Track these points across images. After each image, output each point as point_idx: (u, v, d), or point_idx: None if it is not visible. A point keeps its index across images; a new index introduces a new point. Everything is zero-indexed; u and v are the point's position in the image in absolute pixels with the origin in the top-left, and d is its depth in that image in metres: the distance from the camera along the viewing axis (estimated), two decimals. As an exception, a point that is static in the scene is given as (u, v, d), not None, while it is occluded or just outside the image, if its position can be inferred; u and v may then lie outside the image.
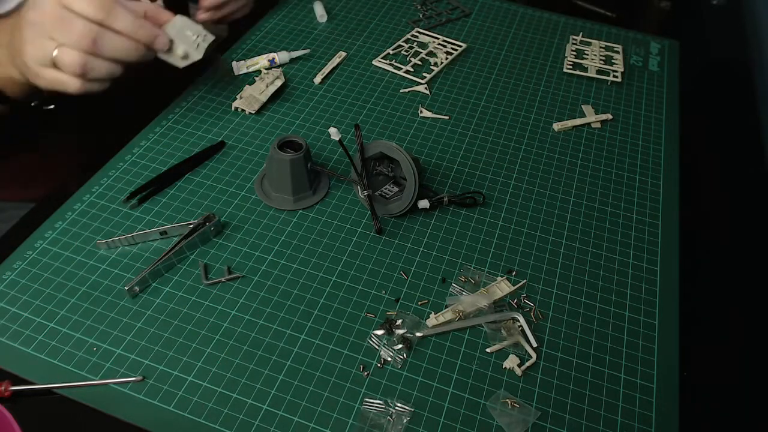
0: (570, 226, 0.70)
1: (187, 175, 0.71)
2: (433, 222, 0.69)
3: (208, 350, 0.56)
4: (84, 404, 0.52)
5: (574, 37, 0.97)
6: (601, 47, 0.96)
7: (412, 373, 0.56)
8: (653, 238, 0.70)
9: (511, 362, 0.57)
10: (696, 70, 0.96)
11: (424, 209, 0.69)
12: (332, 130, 0.64)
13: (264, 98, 0.80)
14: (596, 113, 0.85)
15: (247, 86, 0.82)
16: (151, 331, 0.57)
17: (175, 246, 0.62)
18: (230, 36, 0.93)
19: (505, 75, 0.91)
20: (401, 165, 0.66)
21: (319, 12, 0.97)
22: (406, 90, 0.86)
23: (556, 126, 0.82)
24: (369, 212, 0.69)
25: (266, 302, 0.60)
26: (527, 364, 0.57)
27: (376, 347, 0.58)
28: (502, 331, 0.59)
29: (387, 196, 0.70)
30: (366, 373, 0.56)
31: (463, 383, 0.56)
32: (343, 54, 0.90)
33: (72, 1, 0.58)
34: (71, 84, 0.61)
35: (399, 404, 0.54)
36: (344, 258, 0.65)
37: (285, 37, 0.93)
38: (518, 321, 0.60)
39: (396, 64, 0.89)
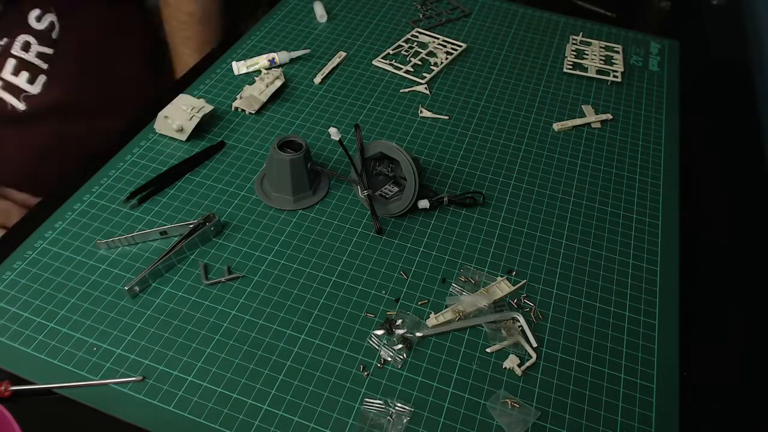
0: (570, 226, 0.70)
1: (187, 175, 0.71)
2: (433, 222, 0.69)
3: (208, 350, 0.56)
4: (84, 404, 0.52)
5: (574, 37, 0.97)
6: (601, 47, 0.96)
7: (412, 373, 0.56)
8: (653, 238, 0.70)
9: (511, 362, 0.57)
10: (696, 70, 0.96)
11: (424, 209, 0.69)
12: (332, 130, 0.64)
13: (264, 98, 0.80)
14: (596, 113, 0.85)
15: (247, 86, 0.82)
16: (151, 331, 0.57)
17: (175, 246, 0.62)
18: (230, 36, 0.93)
19: (505, 75, 0.90)
20: (401, 165, 0.66)
21: (319, 12, 0.97)
22: (406, 90, 0.86)
23: (556, 126, 0.82)
24: (369, 212, 0.69)
25: (266, 302, 0.60)
26: (527, 364, 0.57)
27: (376, 347, 0.58)
28: (502, 331, 0.59)
29: (387, 196, 0.70)
30: (366, 373, 0.56)
31: (463, 383, 0.56)
32: (343, 54, 0.90)
33: None
34: None
35: (399, 404, 0.54)
36: (344, 258, 0.65)
37: (285, 37, 0.93)
38: (518, 321, 0.60)
39: (396, 64, 0.89)
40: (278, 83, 0.82)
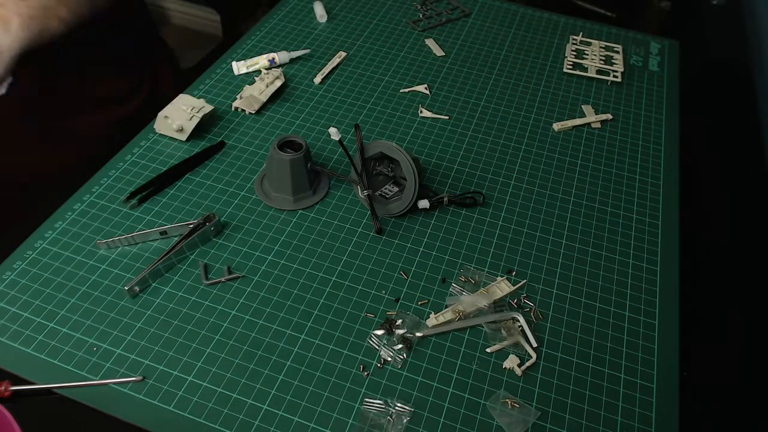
0: (570, 226, 0.70)
1: (187, 175, 0.71)
2: (433, 222, 0.69)
3: (208, 350, 0.56)
4: (84, 404, 0.52)
5: (574, 37, 0.97)
6: (601, 47, 0.96)
7: (412, 373, 0.56)
8: (653, 238, 0.70)
9: (511, 362, 0.57)
10: (696, 70, 0.96)
11: (424, 209, 0.69)
12: (332, 130, 0.64)
13: (264, 98, 0.80)
14: (596, 113, 0.85)
15: (247, 86, 0.82)
16: (151, 331, 0.57)
17: (175, 246, 0.62)
18: (230, 36, 0.93)
19: (505, 75, 0.90)
20: (401, 165, 0.66)
21: (319, 12, 0.97)
22: (406, 90, 0.86)
23: (556, 126, 0.82)
24: (369, 212, 0.69)
25: (266, 302, 0.60)
26: (527, 364, 0.57)
27: (376, 347, 0.58)
28: (502, 331, 0.59)
29: (387, 196, 0.70)
30: (366, 373, 0.56)
31: (463, 383, 0.56)
32: (343, 54, 0.90)
33: None
34: None
35: (399, 404, 0.54)
36: (344, 258, 0.65)
37: (285, 37, 0.93)
38: (518, 321, 0.60)
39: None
40: (278, 83, 0.82)
